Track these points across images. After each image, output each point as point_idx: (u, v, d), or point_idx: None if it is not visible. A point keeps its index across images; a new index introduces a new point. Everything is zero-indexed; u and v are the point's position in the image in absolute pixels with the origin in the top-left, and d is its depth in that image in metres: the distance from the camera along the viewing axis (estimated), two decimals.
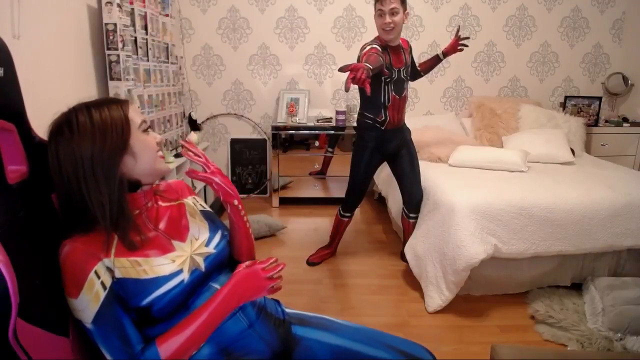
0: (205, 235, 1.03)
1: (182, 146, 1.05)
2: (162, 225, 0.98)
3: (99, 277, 0.83)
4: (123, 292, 0.86)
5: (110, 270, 0.85)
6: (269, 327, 1.02)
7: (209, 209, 1.14)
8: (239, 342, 0.94)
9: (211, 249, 1.01)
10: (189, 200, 1.10)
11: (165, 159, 1.02)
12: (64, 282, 0.84)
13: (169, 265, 0.91)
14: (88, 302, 0.82)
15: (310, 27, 3.61)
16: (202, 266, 0.97)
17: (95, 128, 0.87)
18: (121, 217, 0.88)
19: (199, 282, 0.95)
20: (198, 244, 1.00)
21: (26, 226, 0.86)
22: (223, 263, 1.04)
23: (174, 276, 0.90)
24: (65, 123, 0.87)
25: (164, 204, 1.03)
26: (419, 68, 2.47)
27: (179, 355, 0.86)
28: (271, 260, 0.97)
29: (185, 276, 0.92)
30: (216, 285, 0.98)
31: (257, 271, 0.94)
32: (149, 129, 0.96)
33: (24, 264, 0.81)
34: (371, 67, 1.70)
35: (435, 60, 2.44)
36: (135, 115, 0.94)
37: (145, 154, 0.93)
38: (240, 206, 1.07)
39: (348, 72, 1.51)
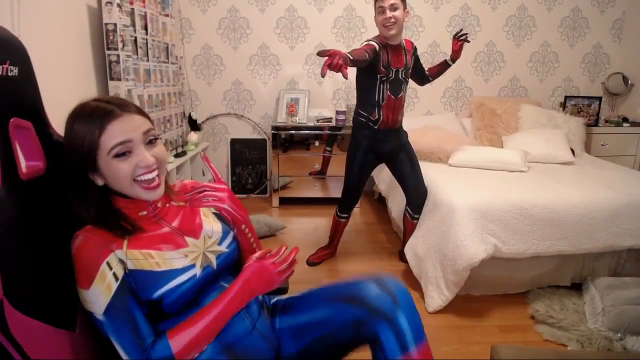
0: (218, 234, 1.03)
1: (203, 157, 1.07)
2: (175, 223, 0.98)
3: (111, 269, 0.83)
4: (135, 285, 0.86)
5: (122, 262, 0.85)
6: (268, 324, 1.02)
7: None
8: (243, 341, 0.94)
9: (223, 247, 1.01)
10: None
11: (159, 187, 0.91)
12: (76, 274, 0.84)
13: (182, 260, 0.91)
14: (100, 294, 0.82)
15: (310, 27, 3.61)
16: (214, 264, 0.97)
17: (68, 140, 0.87)
18: (107, 216, 0.89)
19: (210, 280, 0.96)
20: (211, 241, 1.00)
21: (37, 221, 0.87)
22: (234, 264, 1.04)
23: (186, 270, 0.90)
24: (66, 119, 0.89)
25: (177, 204, 1.03)
26: (427, 73, 2.46)
27: (189, 350, 0.85)
28: (282, 252, 0.97)
29: (197, 271, 0.92)
30: (226, 285, 0.97)
31: (267, 266, 0.93)
32: (129, 153, 0.87)
33: (31, 258, 0.83)
34: (351, 57, 1.73)
35: (443, 66, 2.42)
36: (114, 135, 0.85)
37: (116, 182, 0.88)
38: (247, 230, 1.06)
39: (326, 58, 1.57)
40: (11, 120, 0.84)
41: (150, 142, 0.90)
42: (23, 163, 0.88)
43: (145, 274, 0.87)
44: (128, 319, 0.84)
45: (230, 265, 1.03)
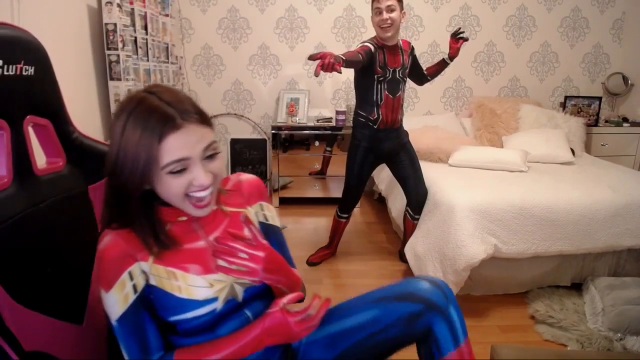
0: None
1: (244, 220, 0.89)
2: (213, 237, 0.89)
3: (132, 279, 0.80)
4: (153, 297, 0.83)
5: (145, 273, 0.81)
6: (279, 352, 0.96)
7: (273, 222, 1.03)
8: None
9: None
10: (252, 210, 0.99)
11: (209, 204, 0.83)
12: (98, 272, 0.80)
13: (205, 290, 0.84)
14: (116, 301, 0.79)
15: (310, 27, 3.61)
16: (240, 297, 0.89)
17: (118, 143, 0.77)
18: (144, 223, 0.82)
19: (232, 311, 0.89)
20: None
21: (48, 215, 0.88)
22: (263, 293, 0.95)
23: (207, 303, 0.84)
24: (118, 110, 0.80)
25: (226, 209, 0.93)
26: (425, 72, 2.47)
27: None
28: (310, 308, 0.86)
29: (218, 305, 0.85)
30: (249, 314, 0.91)
31: (290, 325, 0.83)
32: (185, 170, 0.78)
33: (39, 252, 0.85)
34: (343, 58, 1.78)
35: (441, 65, 2.42)
36: (171, 151, 0.75)
37: (164, 194, 0.81)
38: (281, 286, 0.92)
39: (318, 60, 1.63)
40: (26, 118, 0.86)
41: (209, 157, 0.81)
42: (44, 159, 0.91)
43: (164, 294, 0.82)
44: (138, 332, 0.81)
45: (259, 295, 0.94)
